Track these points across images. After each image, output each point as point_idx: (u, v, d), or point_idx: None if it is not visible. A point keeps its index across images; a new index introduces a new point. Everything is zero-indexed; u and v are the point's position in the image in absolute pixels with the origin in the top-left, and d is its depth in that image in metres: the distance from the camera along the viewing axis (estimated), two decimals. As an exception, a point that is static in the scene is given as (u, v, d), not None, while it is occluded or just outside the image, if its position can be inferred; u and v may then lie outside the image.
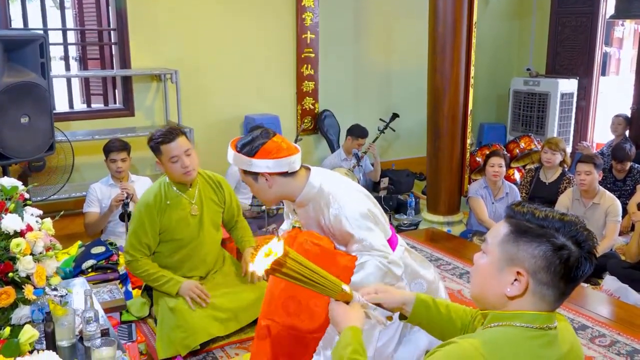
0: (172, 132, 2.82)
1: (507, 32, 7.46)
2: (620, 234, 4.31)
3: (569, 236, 1.22)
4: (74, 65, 6.02)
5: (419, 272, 2.41)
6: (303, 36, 5.80)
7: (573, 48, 6.92)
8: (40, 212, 2.19)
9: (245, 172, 2.23)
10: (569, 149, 5.58)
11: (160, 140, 2.80)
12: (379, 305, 1.65)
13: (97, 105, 5.36)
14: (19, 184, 2.18)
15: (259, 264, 1.50)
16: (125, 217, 3.48)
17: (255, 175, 2.21)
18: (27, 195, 2.22)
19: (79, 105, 5.58)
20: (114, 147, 3.91)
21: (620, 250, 4.14)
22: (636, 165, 4.93)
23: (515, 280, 1.24)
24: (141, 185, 3.99)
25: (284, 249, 1.46)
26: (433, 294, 2.33)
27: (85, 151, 4.74)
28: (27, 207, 2.16)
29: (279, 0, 5.62)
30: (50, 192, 4.28)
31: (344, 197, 2.20)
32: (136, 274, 2.95)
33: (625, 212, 4.32)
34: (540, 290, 1.23)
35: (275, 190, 2.24)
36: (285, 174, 2.21)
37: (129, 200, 3.56)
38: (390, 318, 1.73)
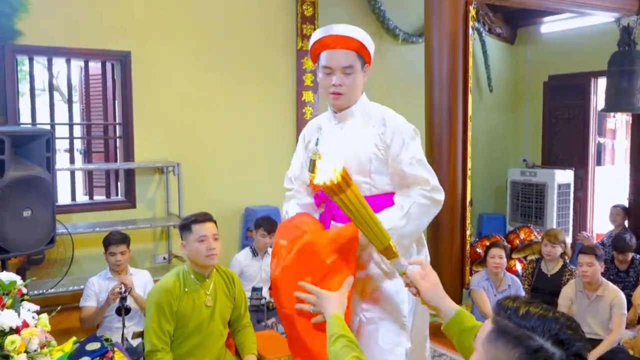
0: (205, 215, 2.98)
1: (502, 124, 7.67)
2: (627, 326, 4.22)
3: (549, 336, 1.09)
4: (78, 157, 6.13)
5: None
6: (303, 129, 5.93)
7: (567, 139, 7.08)
8: (37, 307, 2.17)
9: (364, 62, 2.24)
10: (569, 240, 5.57)
11: (193, 219, 2.93)
12: (415, 287, 1.72)
13: (99, 197, 5.41)
14: (17, 278, 2.17)
15: (324, 175, 1.66)
16: (122, 311, 3.42)
17: (365, 65, 2.24)
18: (24, 290, 2.20)
19: (81, 198, 5.63)
20: (113, 240, 3.91)
21: (628, 345, 4.03)
22: (638, 255, 4.91)
23: None
24: (140, 279, 3.96)
25: (350, 180, 1.66)
26: None
27: (85, 243, 4.73)
28: (24, 303, 2.15)
29: (279, 95, 5.82)
30: (48, 286, 4.24)
31: (398, 117, 2.26)
32: None
33: (630, 304, 4.26)
34: None
35: (361, 87, 2.27)
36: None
37: (126, 294, 3.51)
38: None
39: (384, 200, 2.21)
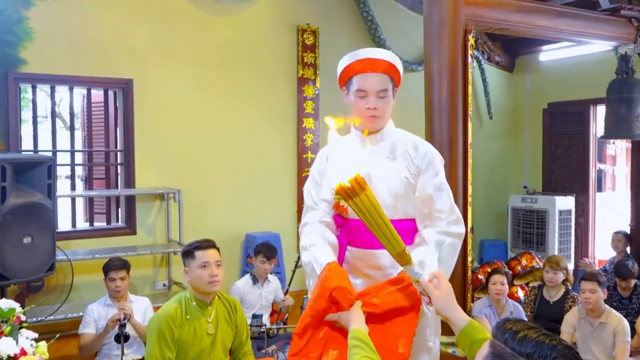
0: (208, 241, 2.98)
1: (502, 151, 7.70)
2: (631, 354, 4.17)
3: None
4: (79, 184, 6.15)
5: None
6: (304, 156, 5.97)
7: (567, 166, 7.10)
8: (36, 335, 2.15)
9: (394, 85, 2.26)
10: (570, 266, 5.55)
11: (196, 246, 2.93)
12: (428, 296, 1.76)
13: (99, 223, 5.41)
14: (16, 305, 2.16)
15: (338, 182, 1.72)
16: (121, 338, 3.39)
17: (394, 89, 2.27)
18: (23, 318, 2.19)
19: (82, 224, 5.63)
20: (113, 266, 3.89)
21: (632, 372, 3.99)
22: (640, 282, 4.88)
23: None
24: (139, 306, 3.93)
25: (365, 184, 1.73)
26: None
27: (85, 270, 4.71)
28: (23, 330, 2.13)
29: (280, 122, 5.85)
30: (47, 313, 4.21)
31: (428, 143, 2.29)
32: None
33: (633, 331, 4.22)
34: None
35: (391, 108, 2.27)
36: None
37: (126, 321, 3.49)
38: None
39: (406, 225, 2.22)
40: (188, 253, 2.95)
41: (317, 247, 2.16)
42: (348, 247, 2.27)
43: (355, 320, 1.81)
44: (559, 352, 1.06)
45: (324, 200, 2.31)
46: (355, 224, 2.22)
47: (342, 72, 2.27)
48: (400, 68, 2.28)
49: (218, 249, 3.01)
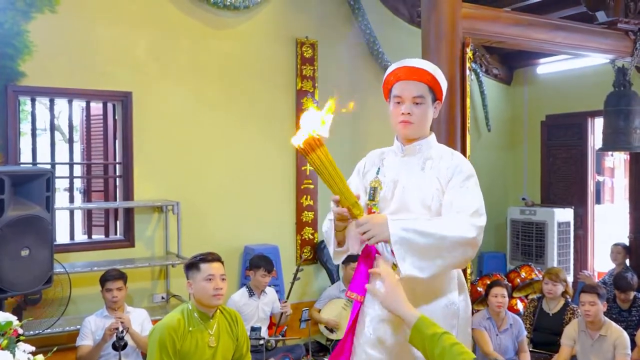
0: (213, 254, 3.01)
1: (500, 163, 7.71)
2: (631, 367, 4.16)
3: None
4: (78, 196, 6.14)
5: None
6: (302, 168, 5.98)
7: (566, 178, 7.11)
8: (33, 348, 2.14)
9: (435, 97, 2.29)
10: (570, 279, 5.54)
11: (201, 258, 2.95)
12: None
13: (97, 236, 5.40)
14: (13, 318, 2.15)
15: (298, 138, 1.91)
16: (119, 347, 3.39)
17: (436, 101, 2.29)
18: (20, 331, 2.18)
19: (80, 237, 5.62)
20: (110, 277, 3.91)
21: (633, 385, 3.97)
22: (640, 294, 4.87)
23: None
24: (137, 317, 3.93)
25: (320, 140, 1.90)
26: None
27: (82, 283, 4.70)
28: (20, 343, 2.12)
29: (279, 135, 5.86)
30: (45, 326, 4.19)
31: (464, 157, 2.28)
32: None
33: (633, 344, 4.20)
34: None
35: (430, 121, 2.29)
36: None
37: (124, 334, 3.47)
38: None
39: None
40: (193, 265, 2.95)
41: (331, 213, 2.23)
42: (376, 255, 2.24)
43: (407, 304, 1.75)
44: None
45: None
46: None
47: (387, 78, 2.32)
48: (442, 80, 2.29)
49: (222, 263, 3.01)
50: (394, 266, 1.92)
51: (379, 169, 2.34)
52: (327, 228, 2.32)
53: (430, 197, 2.17)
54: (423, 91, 2.22)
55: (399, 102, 2.25)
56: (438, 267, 2.03)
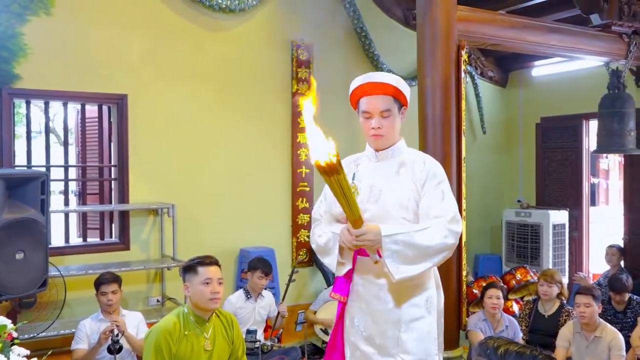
0: (211, 258, 2.98)
1: (496, 166, 7.73)
2: (626, 369, 4.17)
3: None
4: (72, 199, 6.13)
5: None
6: (298, 170, 5.98)
7: (561, 180, 7.13)
8: (28, 352, 2.13)
9: (400, 105, 2.42)
10: (565, 280, 5.55)
11: (199, 261, 2.92)
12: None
13: (93, 239, 5.38)
14: (7, 322, 2.14)
15: (319, 153, 1.98)
16: (114, 350, 3.38)
17: (402, 107, 2.43)
18: (15, 334, 2.17)
19: (75, 239, 5.60)
20: (105, 280, 3.90)
21: (628, 387, 3.98)
22: (635, 296, 4.88)
23: None
24: (132, 320, 3.92)
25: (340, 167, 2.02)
26: None
27: (77, 286, 4.68)
28: (15, 347, 2.11)
29: (275, 137, 5.87)
30: (40, 330, 4.17)
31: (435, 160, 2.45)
32: None
33: (628, 345, 4.21)
34: None
35: (399, 128, 2.44)
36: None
37: (119, 337, 3.46)
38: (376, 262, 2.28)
39: None
40: (190, 268, 2.93)
41: (333, 227, 2.40)
42: (358, 257, 2.41)
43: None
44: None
45: (327, 212, 2.54)
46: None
47: (351, 96, 2.46)
48: (404, 89, 2.43)
49: (220, 266, 3.00)
50: (376, 262, 2.27)
51: (354, 174, 2.48)
52: (325, 240, 2.43)
53: (406, 198, 2.36)
54: (389, 104, 2.37)
55: (367, 117, 2.40)
56: (422, 269, 2.29)
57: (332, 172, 2.03)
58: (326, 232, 2.42)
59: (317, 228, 2.52)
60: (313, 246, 2.55)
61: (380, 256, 2.27)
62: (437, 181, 2.36)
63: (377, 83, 2.37)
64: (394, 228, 2.26)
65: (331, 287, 5.47)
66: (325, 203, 2.56)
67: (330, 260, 2.41)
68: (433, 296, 2.46)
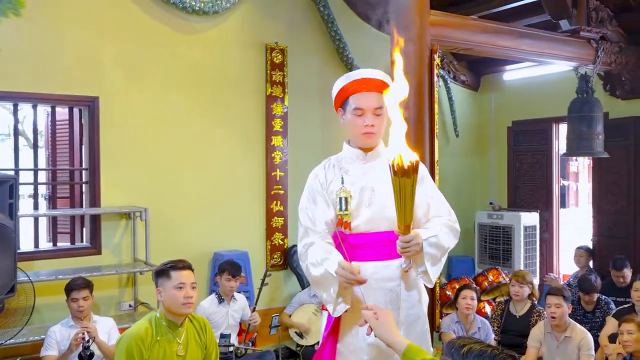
0: (184, 262, 2.95)
1: (468, 169, 7.82)
2: (595, 368, 4.25)
3: None
4: (42, 203, 6.01)
5: None
6: (272, 174, 5.96)
7: (532, 183, 7.25)
8: (-5, 359, 2.09)
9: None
10: (536, 281, 5.63)
11: (172, 266, 2.88)
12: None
13: (63, 243, 5.29)
14: (-26, 329, 2.10)
15: (402, 151, 1.96)
16: (85, 357, 3.33)
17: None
18: (-18, 342, 2.13)
19: (45, 244, 5.50)
20: (75, 286, 3.84)
21: (597, 386, 4.05)
22: (603, 297, 4.98)
23: None
24: (104, 326, 3.87)
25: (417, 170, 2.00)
26: None
27: (47, 291, 4.59)
28: (-19, 355, 2.07)
29: (249, 140, 5.84)
30: (8, 336, 4.08)
31: None
32: None
33: (597, 345, 4.30)
34: None
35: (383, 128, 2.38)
36: None
37: (90, 343, 3.41)
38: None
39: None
40: (163, 272, 2.89)
41: (329, 261, 2.23)
42: (352, 263, 2.30)
43: (396, 333, 1.92)
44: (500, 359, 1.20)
45: (323, 221, 2.37)
46: (355, 238, 2.34)
47: (340, 93, 2.37)
48: (392, 84, 2.33)
49: (193, 270, 2.97)
50: (406, 270, 2.27)
51: (342, 178, 2.39)
52: (320, 274, 2.26)
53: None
54: (382, 101, 2.30)
55: (360, 115, 2.32)
56: (440, 269, 2.36)
57: (407, 174, 1.99)
58: (321, 264, 2.25)
59: (311, 251, 2.32)
60: (303, 265, 2.37)
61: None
62: (427, 179, 2.39)
63: (368, 79, 2.33)
64: (426, 231, 2.26)
65: (306, 289, 5.49)
66: (318, 210, 2.38)
67: (324, 297, 2.29)
68: (424, 293, 2.48)
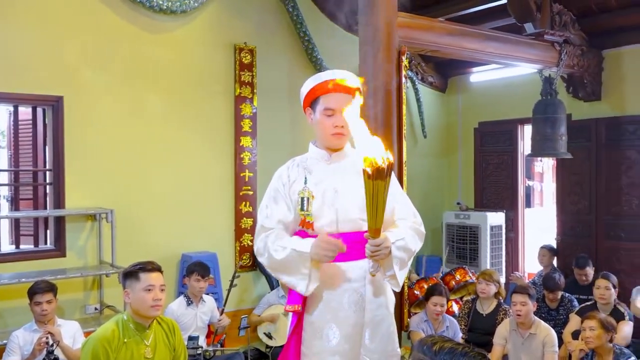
0: (153, 264, 2.89)
1: (436, 169, 7.91)
2: (559, 364, 4.34)
3: None
4: (4, 205, 5.88)
5: None
6: (241, 174, 5.94)
7: (497, 183, 7.37)
8: (-46, 365, 2.04)
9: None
10: (502, 280, 5.72)
11: (141, 267, 2.83)
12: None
13: (26, 246, 5.18)
14: None
15: (377, 150, 1.98)
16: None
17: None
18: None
19: (7, 247, 5.38)
20: (39, 289, 3.76)
21: (561, 381, 4.14)
22: (567, 294, 5.09)
23: None
24: (68, 330, 3.80)
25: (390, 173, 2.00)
26: None
27: (10, 295, 4.49)
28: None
29: (218, 141, 5.81)
30: (-33, 341, 3.98)
31: None
32: None
33: (561, 341, 4.39)
34: None
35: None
36: None
37: (54, 348, 3.35)
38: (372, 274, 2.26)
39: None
40: (131, 274, 2.84)
41: (293, 241, 2.28)
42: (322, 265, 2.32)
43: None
44: (470, 357, 1.23)
45: (281, 220, 2.37)
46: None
47: (308, 93, 2.37)
48: (361, 88, 2.39)
49: (162, 272, 2.93)
50: (373, 274, 2.26)
51: (305, 178, 2.38)
52: (284, 256, 2.27)
53: (363, 200, 2.24)
54: (351, 103, 2.30)
55: (330, 115, 2.32)
56: (406, 273, 2.42)
57: (379, 177, 1.99)
58: (286, 247, 2.26)
59: (270, 240, 2.33)
60: (263, 258, 2.36)
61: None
62: (394, 181, 2.36)
63: (342, 81, 2.33)
64: (393, 234, 2.26)
65: (274, 290, 5.48)
66: (277, 209, 2.38)
67: (293, 280, 2.27)
68: (390, 293, 2.47)
